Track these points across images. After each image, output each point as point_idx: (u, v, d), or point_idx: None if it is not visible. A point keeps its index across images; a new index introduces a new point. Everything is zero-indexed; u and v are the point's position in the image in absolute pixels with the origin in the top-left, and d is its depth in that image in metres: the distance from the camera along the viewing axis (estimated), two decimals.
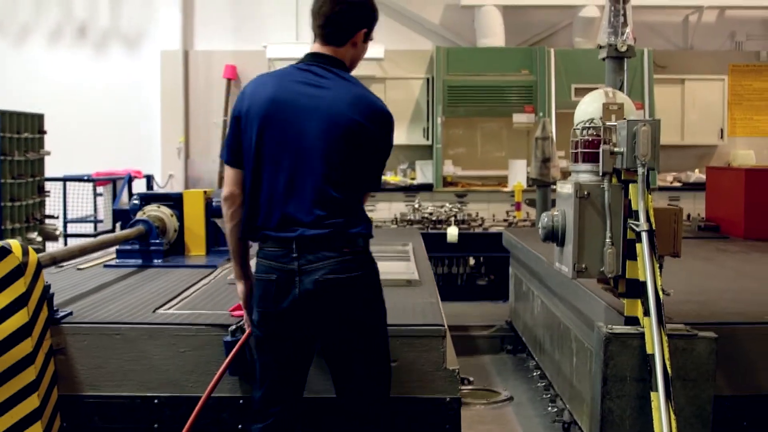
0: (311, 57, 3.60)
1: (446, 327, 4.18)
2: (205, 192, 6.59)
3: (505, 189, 11.21)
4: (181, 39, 12.53)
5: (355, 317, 3.50)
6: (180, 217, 6.41)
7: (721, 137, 12.34)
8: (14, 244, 3.86)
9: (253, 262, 3.68)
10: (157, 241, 6.11)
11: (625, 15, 5.47)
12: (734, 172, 8.86)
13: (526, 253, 7.16)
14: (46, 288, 4.10)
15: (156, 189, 11.79)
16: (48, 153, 9.27)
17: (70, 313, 4.32)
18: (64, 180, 10.99)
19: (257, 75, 3.70)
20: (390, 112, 3.62)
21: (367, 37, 3.67)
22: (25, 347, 3.80)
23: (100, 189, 11.51)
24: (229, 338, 4.01)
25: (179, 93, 12.51)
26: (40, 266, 4.03)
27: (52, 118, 9.57)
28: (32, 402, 3.81)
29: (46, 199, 9.51)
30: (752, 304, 4.92)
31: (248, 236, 3.64)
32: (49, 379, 3.99)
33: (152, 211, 6.30)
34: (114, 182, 11.20)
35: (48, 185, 9.63)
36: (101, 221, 11.32)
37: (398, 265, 5.93)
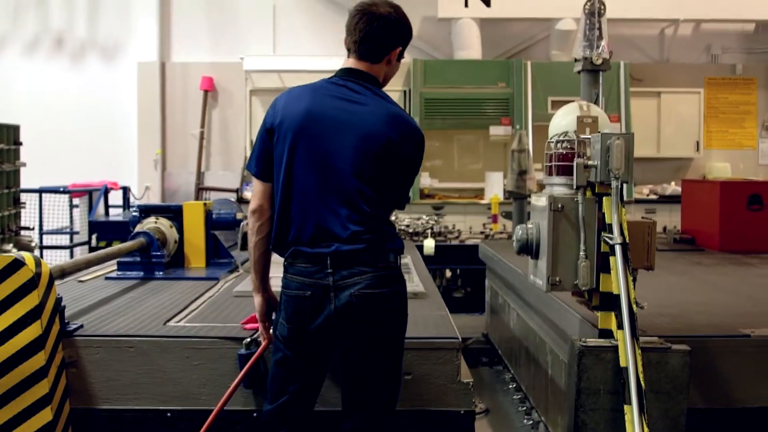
0: (346, 72, 3.59)
1: (460, 339, 4.20)
2: (204, 204, 6.58)
3: (482, 201, 11.20)
4: (158, 50, 12.50)
5: (385, 330, 3.51)
6: (180, 229, 6.41)
7: (697, 150, 12.40)
8: (27, 255, 3.82)
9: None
10: (158, 253, 6.11)
11: (600, 28, 5.51)
12: (710, 184, 8.91)
13: (502, 265, 7.17)
14: (58, 300, 4.08)
15: (132, 201, 11.71)
16: (24, 164, 9.15)
17: (81, 326, 4.30)
18: (40, 191, 10.90)
19: (289, 88, 3.67)
20: (422, 131, 3.62)
21: (401, 56, 3.67)
22: (38, 360, 3.78)
23: (76, 200, 11.39)
24: (243, 351, 4.01)
25: (156, 105, 12.47)
26: (52, 278, 4.01)
27: (28, 129, 9.44)
28: (45, 415, 3.79)
29: (22, 210, 9.41)
30: (726, 316, 4.94)
31: (277, 251, 3.61)
32: (62, 393, 3.98)
33: (152, 223, 6.29)
34: (90, 194, 11.11)
35: (24, 197, 9.49)
36: (77, 233, 11.22)
37: None
